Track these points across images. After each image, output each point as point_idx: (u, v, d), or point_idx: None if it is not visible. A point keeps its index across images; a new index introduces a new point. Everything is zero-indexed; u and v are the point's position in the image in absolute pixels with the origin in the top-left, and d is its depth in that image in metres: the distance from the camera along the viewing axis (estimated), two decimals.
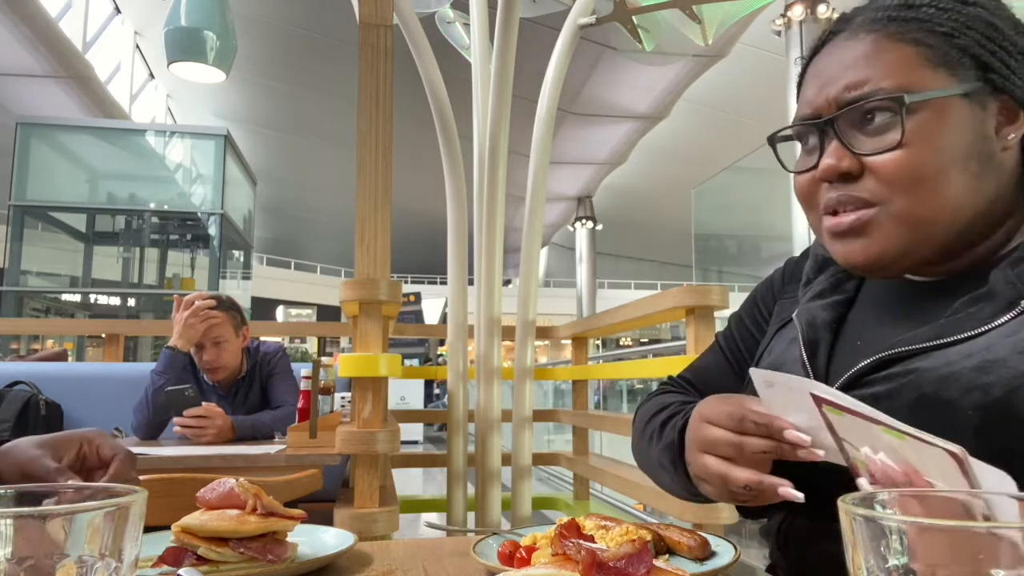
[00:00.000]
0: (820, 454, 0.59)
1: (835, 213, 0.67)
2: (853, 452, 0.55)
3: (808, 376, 0.70)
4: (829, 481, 0.65)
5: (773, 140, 0.75)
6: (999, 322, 0.60)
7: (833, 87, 0.67)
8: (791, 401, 0.59)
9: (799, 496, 0.60)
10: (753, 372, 0.62)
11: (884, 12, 0.67)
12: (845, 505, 0.32)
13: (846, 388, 0.65)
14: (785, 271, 0.89)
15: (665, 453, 0.77)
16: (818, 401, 0.56)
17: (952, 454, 0.45)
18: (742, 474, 0.62)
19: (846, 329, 0.73)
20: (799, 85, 0.74)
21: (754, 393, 0.65)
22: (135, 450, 1.79)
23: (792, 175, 0.73)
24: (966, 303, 0.63)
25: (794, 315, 0.77)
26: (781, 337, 0.79)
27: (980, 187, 0.64)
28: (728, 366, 0.89)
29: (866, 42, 0.66)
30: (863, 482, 0.54)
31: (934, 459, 0.47)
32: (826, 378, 0.69)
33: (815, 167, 0.68)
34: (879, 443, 0.52)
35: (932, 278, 0.70)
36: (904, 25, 0.65)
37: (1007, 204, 0.66)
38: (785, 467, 0.68)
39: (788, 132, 0.73)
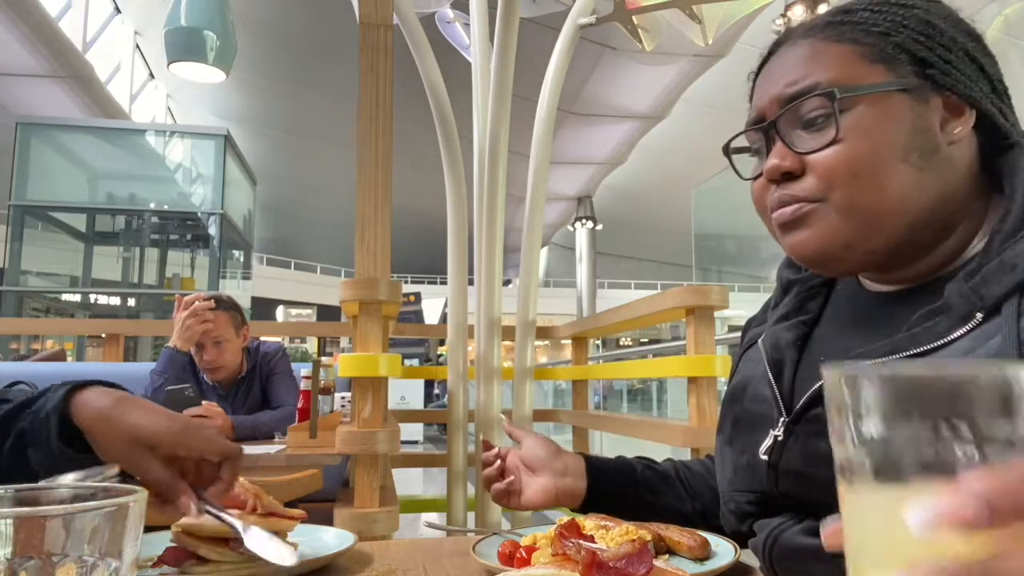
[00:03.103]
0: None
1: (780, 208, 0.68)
2: None
3: (774, 395, 0.70)
4: (810, 505, 0.65)
5: (727, 151, 0.75)
6: (953, 336, 0.59)
7: (774, 87, 0.69)
8: None
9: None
10: None
11: (822, 19, 0.70)
12: (828, 371, 0.29)
13: (808, 407, 0.66)
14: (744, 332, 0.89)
15: None
16: None
17: None
18: (485, 469, 0.93)
19: (811, 346, 0.73)
20: (750, 99, 0.76)
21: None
22: None
23: (750, 183, 0.74)
24: (922, 317, 0.62)
25: (759, 340, 0.77)
26: (748, 358, 0.80)
27: (924, 180, 0.64)
28: None
29: (804, 46, 0.69)
30: None
31: None
32: (791, 396, 0.70)
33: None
34: None
35: (891, 288, 0.70)
36: (840, 28, 0.67)
37: (958, 205, 0.66)
38: (770, 490, 0.68)
39: (742, 142, 0.74)
